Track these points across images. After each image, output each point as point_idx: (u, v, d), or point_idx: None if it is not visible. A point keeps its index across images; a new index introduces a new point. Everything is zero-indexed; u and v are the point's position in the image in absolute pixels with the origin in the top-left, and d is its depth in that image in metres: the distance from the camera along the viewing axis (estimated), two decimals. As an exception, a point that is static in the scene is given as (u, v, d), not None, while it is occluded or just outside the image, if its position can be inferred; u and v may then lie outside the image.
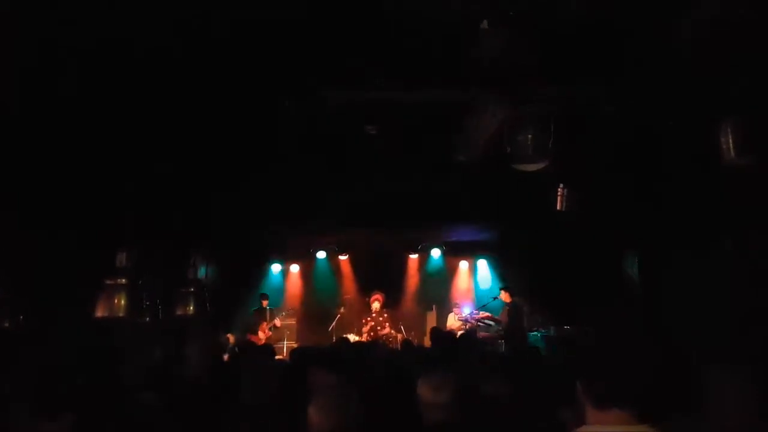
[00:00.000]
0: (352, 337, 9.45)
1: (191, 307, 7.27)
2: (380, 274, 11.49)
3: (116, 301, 4.97)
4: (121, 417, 3.56)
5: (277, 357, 6.96)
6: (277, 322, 10.38)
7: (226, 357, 6.26)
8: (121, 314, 5.02)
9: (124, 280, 5.04)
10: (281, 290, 11.56)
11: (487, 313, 10.18)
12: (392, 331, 10.21)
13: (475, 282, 11.95)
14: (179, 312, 7.30)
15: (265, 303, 10.62)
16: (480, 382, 3.86)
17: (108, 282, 5.01)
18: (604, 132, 6.33)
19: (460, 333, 8.49)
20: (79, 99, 5.33)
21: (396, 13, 4.49)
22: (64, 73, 4.97)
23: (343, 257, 11.93)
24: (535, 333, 9.38)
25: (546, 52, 4.65)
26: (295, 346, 9.17)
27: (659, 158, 6.46)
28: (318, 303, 11.61)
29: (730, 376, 1.90)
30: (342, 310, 10.99)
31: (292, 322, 10.84)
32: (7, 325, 6.12)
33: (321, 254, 11.86)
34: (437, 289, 11.78)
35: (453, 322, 10.43)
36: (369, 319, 10.41)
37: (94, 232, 6.41)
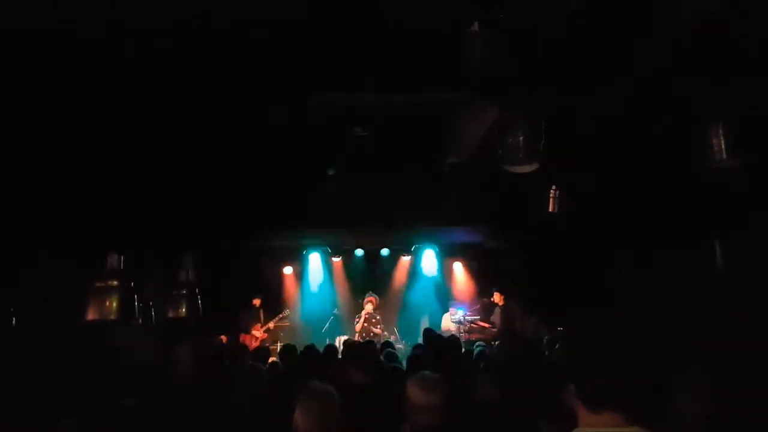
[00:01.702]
0: (345, 338, 9.43)
1: (184, 309, 7.23)
2: (373, 276, 11.50)
3: (108, 303, 4.93)
4: (113, 420, 3.55)
5: (271, 359, 6.95)
6: (271, 324, 10.38)
7: (217, 359, 6.24)
8: (112, 317, 4.97)
9: (115, 283, 4.99)
10: (275, 292, 11.52)
11: (477, 316, 10.19)
12: (385, 333, 10.20)
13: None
14: (171, 314, 7.25)
15: (258, 303, 10.61)
16: (471, 385, 3.87)
17: (99, 284, 4.97)
18: (595, 133, 6.35)
19: (450, 335, 8.41)
20: (73, 100, 5.31)
21: (386, 15, 4.49)
22: (58, 75, 4.95)
23: (336, 259, 11.92)
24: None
25: (538, 54, 4.66)
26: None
27: (651, 159, 6.47)
28: (312, 305, 11.60)
29: (715, 378, 1.91)
30: (336, 311, 10.98)
31: (286, 324, 10.82)
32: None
33: (314, 256, 11.85)
34: (430, 291, 11.77)
35: (447, 323, 10.42)
36: (362, 320, 10.39)
37: (86, 234, 6.38)
